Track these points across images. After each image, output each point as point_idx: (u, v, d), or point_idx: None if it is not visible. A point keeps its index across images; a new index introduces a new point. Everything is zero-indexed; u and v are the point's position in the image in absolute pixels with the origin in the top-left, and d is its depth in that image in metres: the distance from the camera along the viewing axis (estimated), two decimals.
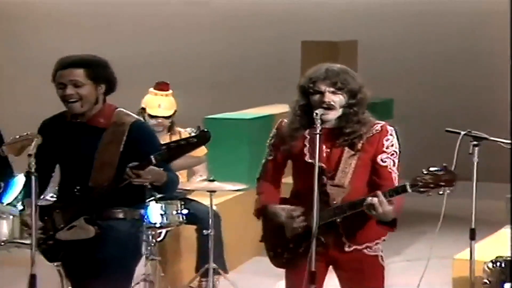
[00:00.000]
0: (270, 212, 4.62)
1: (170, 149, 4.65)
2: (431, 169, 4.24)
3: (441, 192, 4.27)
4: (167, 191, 5.27)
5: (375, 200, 4.27)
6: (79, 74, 4.67)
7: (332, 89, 4.45)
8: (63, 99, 4.67)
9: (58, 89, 4.68)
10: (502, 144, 5.76)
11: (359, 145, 4.48)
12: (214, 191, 6.74)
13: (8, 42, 11.45)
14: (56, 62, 4.77)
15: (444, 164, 4.26)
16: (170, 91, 7.27)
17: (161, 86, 7.26)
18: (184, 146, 4.68)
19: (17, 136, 4.63)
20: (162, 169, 4.61)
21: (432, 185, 4.23)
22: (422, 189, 4.25)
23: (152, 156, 4.51)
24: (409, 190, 4.26)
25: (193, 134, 4.83)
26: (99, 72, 4.74)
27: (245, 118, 8.77)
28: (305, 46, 10.01)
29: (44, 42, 11.55)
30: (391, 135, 4.52)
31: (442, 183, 4.23)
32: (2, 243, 6.44)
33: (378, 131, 4.50)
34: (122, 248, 4.72)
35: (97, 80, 4.71)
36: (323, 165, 4.41)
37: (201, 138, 4.65)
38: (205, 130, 4.68)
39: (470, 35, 11.32)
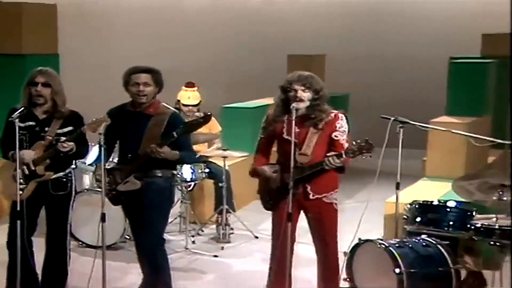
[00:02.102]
0: (259, 171, 4.70)
1: (186, 126, 4.73)
2: (358, 141, 4.32)
3: (363, 157, 4.33)
4: (183, 163, 5.62)
5: (325, 162, 4.36)
6: (149, 78, 4.77)
7: (302, 88, 4.52)
8: (136, 93, 4.76)
9: (132, 86, 4.76)
10: (419, 126, 5.80)
11: (320, 126, 4.54)
12: (227, 157, 6.83)
13: (88, 40, 11.46)
14: (130, 68, 4.84)
15: (366, 138, 4.32)
16: (196, 88, 7.32)
17: (190, 84, 7.32)
18: (195, 125, 4.79)
19: (94, 119, 4.63)
20: (178, 148, 4.68)
21: (357, 152, 4.31)
22: (351, 155, 4.32)
23: (174, 132, 4.61)
24: (344, 155, 4.34)
25: (201, 116, 4.86)
26: (159, 78, 4.84)
27: (249, 107, 8.77)
28: (290, 58, 10.04)
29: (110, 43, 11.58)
30: (341, 119, 4.59)
31: (364, 151, 4.30)
32: (85, 190, 6.53)
33: (332, 118, 4.57)
34: (159, 196, 4.82)
35: (157, 83, 4.82)
36: (296, 140, 4.45)
37: (205, 119, 4.73)
38: (208, 114, 4.75)
39: (409, 44, 11.25)
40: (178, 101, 7.15)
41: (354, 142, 4.36)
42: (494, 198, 4.87)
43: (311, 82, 4.54)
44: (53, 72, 4.89)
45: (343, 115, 4.63)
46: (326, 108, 4.58)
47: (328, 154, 4.40)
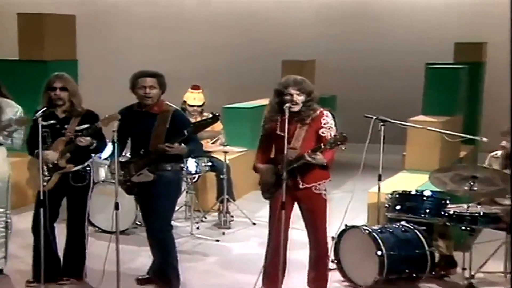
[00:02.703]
0: (257, 167, 4.71)
1: (195, 125, 4.74)
2: (334, 134, 4.32)
3: (338, 148, 4.29)
4: (192, 154, 5.45)
5: (306, 155, 4.35)
6: (154, 81, 4.76)
7: (297, 92, 4.49)
8: (144, 95, 4.74)
9: (139, 89, 4.74)
10: (398, 124, 5.83)
11: (307, 122, 4.51)
12: (227, 152, 6.84)
13: (103, 47, 11.39)
14: (136, 72, 4.81)
15: (341, 132, 4.31)
16: (201, 90, 7.32)
17: (195, 87, 7.32)
18: (203, 124, 4.79)
19: (106, 115, 4.65)
20: (186, 143, 4.65)
21: (333, 144, 4.27)
22: (328, 146, 4.29)
23: (185, 130, 4.61)
24: (322, 147, 4.31)
25: (209, 116, 4.86)
26: (163, 81, 4.82)
27: (248, 107, 8.73)
28: (284, 63, 9.99)
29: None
30: (327, 116, 4.56)
31: (339, 142, 4.26)
32: (101, 182, 6.52)
33: (318, 114, 4.55)
34: (168, 187, 4.82)
35: (161, 86, 4.80)
36: (286, 135, 4.42)
37: (213, 119, 4.74)
38: (216, 114, 4.75)
39: (390, 51, 11.22)
40: (184, 101, 7.17)
41: (331, 136, 4.35)
42: (466, 188, 4.90)
43: (304, 87, 4.52)
44: (68, 76, 4.93)
45: (328, 112, 4.59)
46: (314, 107, 4.56)
47: (308, 151, 4.36)
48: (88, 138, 4.67)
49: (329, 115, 4.57)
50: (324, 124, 4.51)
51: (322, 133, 4.50)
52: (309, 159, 4.35)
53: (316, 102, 4.59)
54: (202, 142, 6.90)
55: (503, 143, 5.23)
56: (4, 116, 4.92)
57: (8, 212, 5.15)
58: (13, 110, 4.99)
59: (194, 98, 7.18)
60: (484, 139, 5.78)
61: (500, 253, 5.22)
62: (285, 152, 4.38)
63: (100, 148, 4.98)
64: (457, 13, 11.03)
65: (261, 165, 4.69)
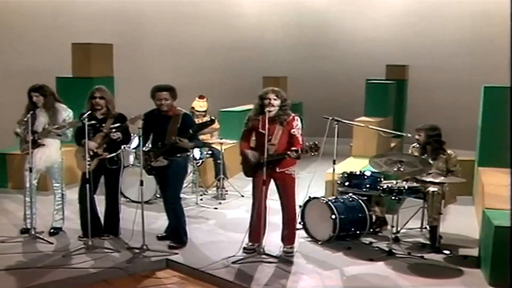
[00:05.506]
0: (245, 153, 4.57)
1: (198, 126, 4.64)
2: (310, 143, 4.19)
3: (312, 154, 4.20)
4: (195, 147, 5.39)
5: (289, 153, 4.25)
6: (167, 94, 4.65)
7: (274, 97, 4.41)
8: (160, 104, 4.64)
9: (156, 100, 4.65)
10: (348, 123, 5.77)
11: (284, 124, 4.43)
12: (222, 143, 6.74)
13: (133, 66, 11.20)
14: (154, 86, 4.69)
15: (315, 142, 4.22)
16: (205, 99, 7.20)
17: (201, 96, 7.19)
18: (204, 125, 4.69)
19: (133, 116, 4.57)
20: (191, 138, 4.54)
21: (309, 151, 4.19)
22: (305, 153, 4.21)
23: (190, 130, 4.52)
24: (300, 152, 4.22)
25: (208, 119, 4.77)
26: (174, 93, 4.70)
27: (237, 110, 8.57)
28: (264, 78, 9.91)
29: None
30: (297, 120, 4.47)
31: (313, 150, 4.19)
32: (131, 165, 6.41)
33: (291, 118, 4.47)
34: (178, 169, 4.74)
35: (173, 97, 4.69)
36: (267, 133, 4.35)
37: (211, 121, 4.65)
38: (213, 118, 4.70)
39: (341, 71, 11.14)
40: (193, 107, 7.05)
41: (307, 143, 4.24)
42: (395, 169, 4.86)
43: (280, 94, 4.46)
44: (105, 88, 4.90)
45: (298, 117, 4.53)
46: (289, 112, 4.49)
47: (291, 148, 4.28)
48: (119, 133, 4.64)
49: (299, 119, 4.50)
50: (295, 126, 4.44)
51: (293, 132, 4.43)
52: (292, 156, 4.28)
53: (289, 107, 4.51)
54: (204, 136, 6.87)
55: (417, 136, 5.24)
56: (60, 117, 4.92)
57: (63, 187, 5.14)
58: (67, 112, 4.99)
59: (200, 106, 7.08)
60: (408, 134, 5.79)
61: (418, 215, 5.26)
62: (265, 145, 4.30)
63: (127, 141, 4.93)
64: (387, 46, 11.07)
65: (247, 150, 4.57)
